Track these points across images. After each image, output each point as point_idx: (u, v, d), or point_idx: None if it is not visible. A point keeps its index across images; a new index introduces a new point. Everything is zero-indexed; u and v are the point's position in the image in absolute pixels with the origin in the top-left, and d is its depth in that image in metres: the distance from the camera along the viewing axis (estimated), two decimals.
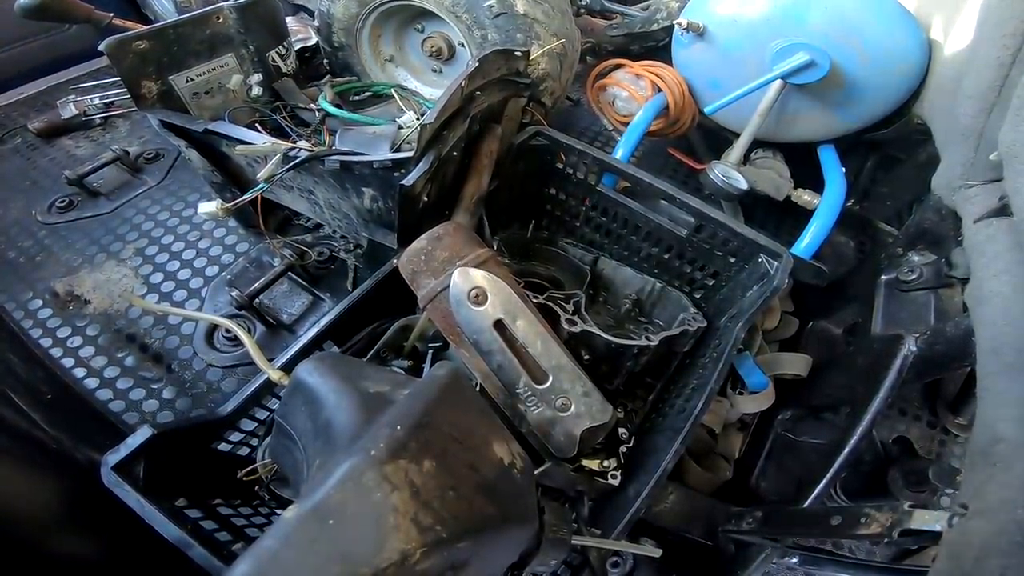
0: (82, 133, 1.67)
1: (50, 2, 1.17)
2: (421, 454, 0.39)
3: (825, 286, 1.08)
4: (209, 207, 0.90)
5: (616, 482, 0.69)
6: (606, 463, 0.71)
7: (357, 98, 1.37)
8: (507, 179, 0.91)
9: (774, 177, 1.30)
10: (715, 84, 1.37)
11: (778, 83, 1.23)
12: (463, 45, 1.31)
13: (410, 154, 0.74)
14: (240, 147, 0.86)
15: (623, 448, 0.72)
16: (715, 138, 1.48)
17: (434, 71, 1.45)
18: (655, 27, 1.56)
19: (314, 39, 1.49)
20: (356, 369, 0.61)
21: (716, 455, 0.94)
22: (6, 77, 1.96)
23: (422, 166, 0.72)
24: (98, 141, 1.64)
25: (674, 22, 1.34)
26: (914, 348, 0.74)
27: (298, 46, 1.43)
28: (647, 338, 0.75)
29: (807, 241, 1.10)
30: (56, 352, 1.16)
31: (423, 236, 0.68)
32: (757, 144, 1.36)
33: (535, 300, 0.74)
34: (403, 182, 0.71)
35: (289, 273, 1.20)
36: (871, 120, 1.26)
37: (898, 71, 1.17)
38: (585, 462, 0.73)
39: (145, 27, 1.07)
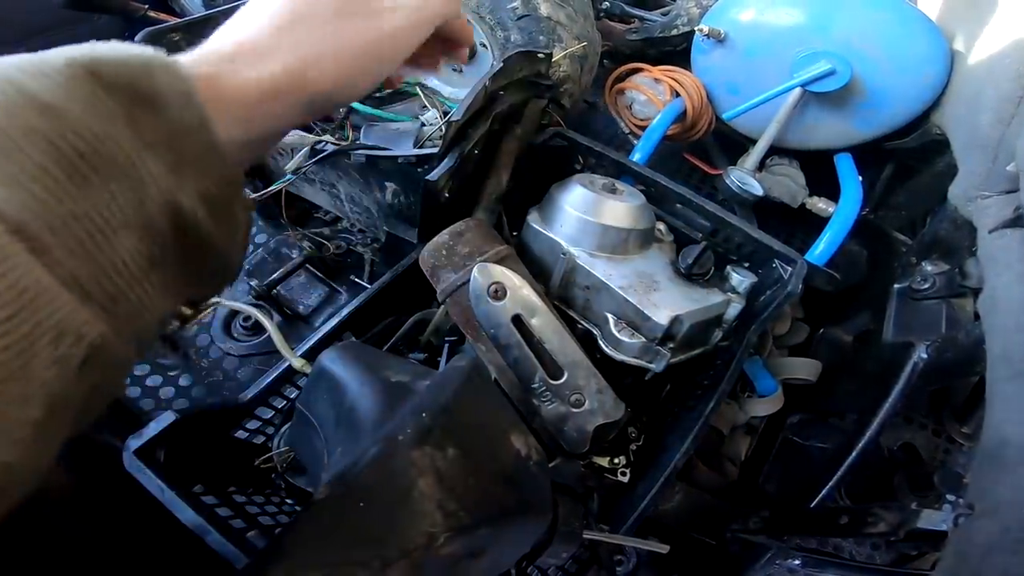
0: None
1: None
2: (445, 441, 0.40)
3: (837, 293, 1.08)
4: None
5: (625, 479, 0.70)
6: (616, 460, 0.72)
7: (379, 95, 1.38)
8: (525, 179, 0.92)
9: (789, 184, 1.30)
10: (734, 90, 1.37)
11: (797, 91, 1.24)
12: (485, 46, 1.32)
13: (435, 150, 0.76)
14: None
15: (633, 446, 0.73)
16: (731, 143, 1.48)
17: (455, 70, 1.46)
18: (675, 32, 1.56)
19: None
20: (378, 358, 0.63)
21: (723, 456, 0.94)
22: None
23: (447, 163, 0.74)
24: None
25: (695, 28, 1.35)
26: (924, 356, 0.74)
27: None
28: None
29: (821, 248, 1.11)
30: None
31: (444, 231, 0.69)
32: (773, 151, 1.36)
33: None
34: (428, 177, 0.72)
35: (307, 265, 1.22)
36: (890, 129, 1.26)
37: (919, 80, 1.17)
38: (595, 459, 0.75)
39: (179, 19, 1.08)
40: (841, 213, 1.15)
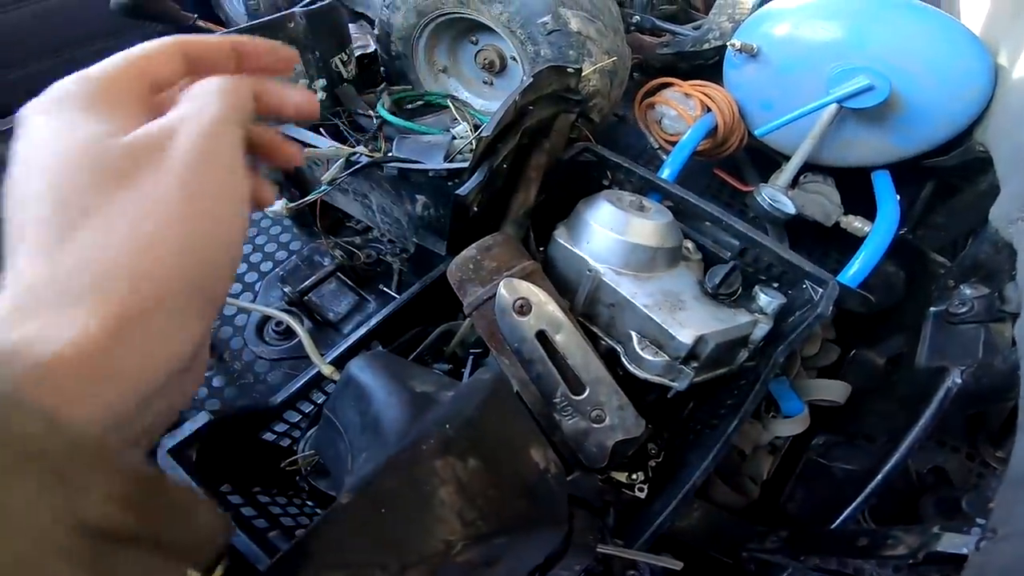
0: None
1: (140, 4, 1.26)
2: (467, 452, 0.42)
3: (871, 315, 1.06)
4: (275, 206, 0.97)
5: (643, 495, 0.71)
6: (634, 476, 0.73)
7: (411, 106, 1.43)
8: (554, 193, 0.94)
9: (824, 203, 1.28)
10: (767, 105, 1.37)
11: (833, 107, 1.23)
12: (515, 59, 1.35)
13: (465, 164, 0.78)
14: (307, 150, 0.92)
15: (652, 463, 0.73)
16: (763, 159, 1.47)
17: (485, 83, 1.50)
18: (706, 47, 1.57)
19: (372, 47, 1.56)
20: (404, 368, 0.65)
21: (743, 475, 0.94)
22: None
23: (477, 177, 0.76)
24: None
25: (727, 43, 1.35)
26: (959, 380, 0.73)
27: (357, 53, 1.50)
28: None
29: (855, 269, 1.09)
30: None
31: (473, 245, 0.71)
32: (807, 168, 1.35)
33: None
34: (458, 192, 0.75)
35: (338, 273, 1.26)
36: (930, 146, 1.24)
37: (962, 96, 1.14)
38: (613, 474, 0.75)
39: (226, 30, 1.14)
40: (877, 233, 1.13)
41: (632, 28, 1.70)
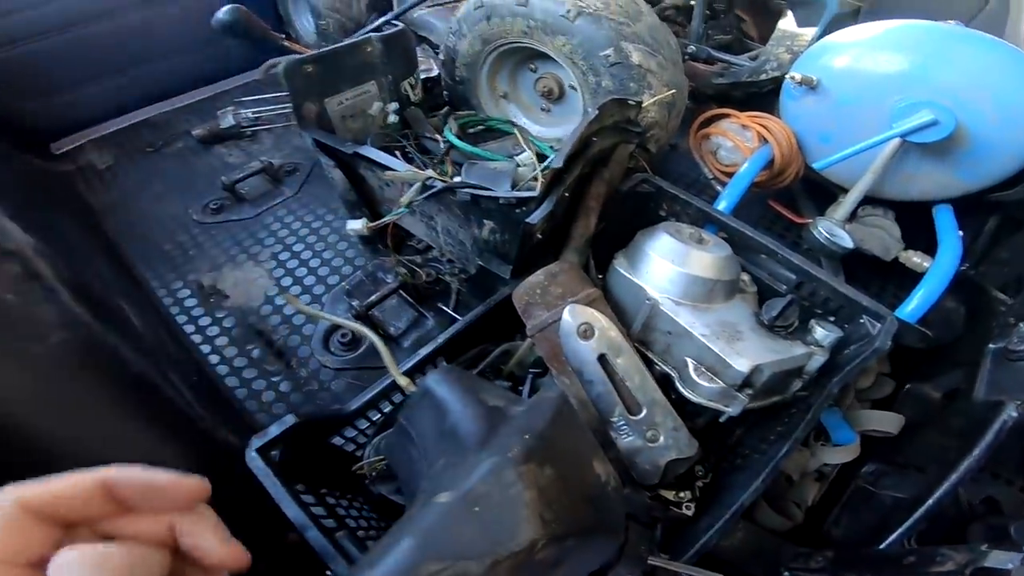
0: (235, 142, 1.95)
1: (239, 21, 1.39)
2: (544, 461, 0.47)
3: (928, 350, 1.07)
4: (356, 225, 1.06)
5: (690, 513, 0.75)
6: (681, 494, 0.77)
7: (473, 130, 1.51)
8: (612, 222, 0.99)
9: (883, 237, 1.29)
10: (826, 138, 1.39)
11: (896, 141, 1.23)
12: (575, 88, 1.42)
13: (534, 194, 0.85)
14: (388, 173, 1.01)
15: (699, 483, 0.77)
16: (820, 191, 1.49)
17: (543, 109, 1.57)
18: (763, 77, 1.61)
19: (436, 70, 1.67)
20: (475, 383, 0.72)
21: (789, 500, 0.96)
22: (171, 85, 2.35)
23: (546, 207, 0.83)
24: (247, 151, 1.92)
25: (786, 76, 1.38)
26: (1015, 414, 0.74)
27: (422, 76, 1.61)
28: None
29: (914, 305, 1.10)
30: (196, 338, 1.37)
31: (540, 272, 0.78)
32: (867, 200, 1.36)
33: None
34: (528, 220, 0.82)
35: (400, 290, 1.34)
36: (995, 180, 1.23)
37: None
38: (662, 491, 0.79)
39: (313, 52, 1.26)
40: (937, 269, 1.14)
41: (687, 57, 1.74)
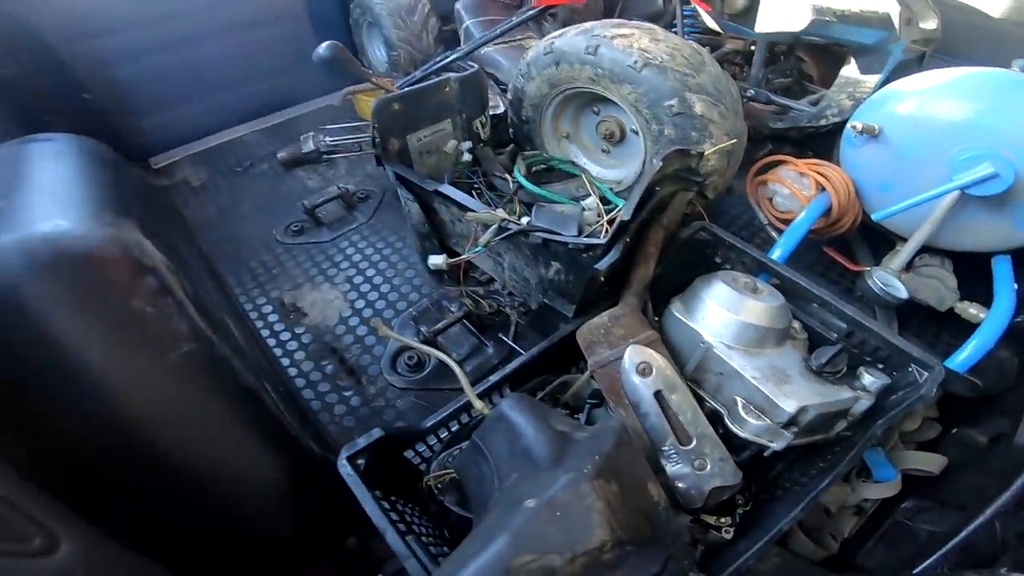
0: (313, 167, 2.18)
1: (337, 57, 1.60)
2: (610, 478, 0.60)
3: (979, 398, 1.13)
4: (437, 260, 1.22)
5: (729, 536, 0.85)
6: (721, 520, 0.87)
7: (536, 168, 1.66)
8: (670, 266, 1.11)
9: (939, 287, 1.36)
10: (885, 187, 1.46)
11: (955, 193, 1.30)
12: (636, 132, 1.56)
13: (601, 241, 0.98)
14: (469, 215, 1.16)
15: (739, 510, 0.88)
16: (876, 237, 1.56)
17: (603, 151, 1.71)
18: (823, 122, 1.70)
19: (502, 107, 1.83)
20: (543, 410, 0.85)
21: (825, 531, 1.04)
22: (257, 106, 2.71)
23: (612, 255, 0.96)
24: (324, 175, 2.16)
25: (848, 123, 1.47)
26: None
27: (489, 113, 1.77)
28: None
29: (965, 355, 1.17)
30: (277, 351, 1.55)
31: (604, 314, 0.91)
32: (924, 249, 1.42)
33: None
34: (597, 266, 0.95)
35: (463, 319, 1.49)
36: None
37: None
38: (704, 516, 0.90)
39: (400, 91, 1.44)
40: (992, 321, 1.21)
41: (746, 100, 1.84)
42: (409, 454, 1.10)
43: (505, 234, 1.11)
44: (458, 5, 2.70)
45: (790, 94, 1.94)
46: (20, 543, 0.75)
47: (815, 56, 2.00)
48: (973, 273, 1.39)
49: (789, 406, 0.86)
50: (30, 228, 0.78)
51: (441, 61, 2.29)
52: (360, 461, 0.96)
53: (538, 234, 1.07)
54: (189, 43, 2.46)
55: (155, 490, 0.94)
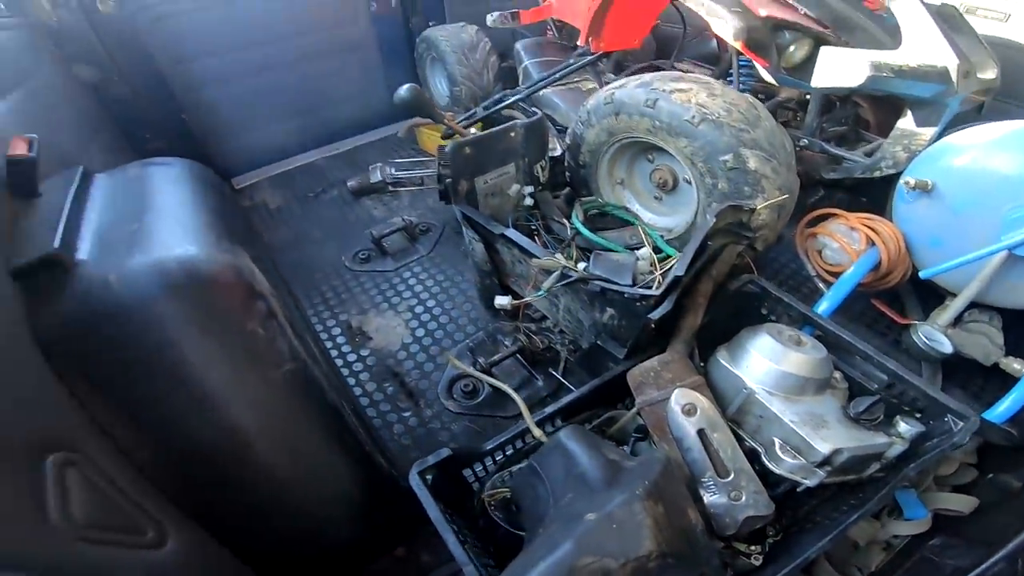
0: (379, 196, 2.42)
1: (416, 99, 1.80)
2: (658, 500, 0.74)
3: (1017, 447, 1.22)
4: (503, 301, 1.39)
5: (758, 563, 0.97)
6: (752, 547, 0.99)
7: (590, 213, 1.82)
8: (718, 316, 1.25)
9: (985, 344, 1.45)
10: (936, 242, 1.56)
11: (1003, 253, 1.39)
12: (688, 182, 1.70)
13: (655, 292, 1.13)
14: (534, 261, 1.32)
15: (770, 540, 0.99)
16: (927, 290, 1.65)
17: (656, 198, 1.86)
18: (877, 174, 1.79)
19: (559, 150, 2.00)
20: (595, 440, 1.00)
21: (852, 565, 1.15)
22: (327, 133, 3.02)
23: (665, 306, 1.11)
24: (389, 205, 2.40)
25: (901, 180, 1.58)
26: None
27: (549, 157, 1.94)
28: None
29: (1004, 407, 1.27)
30: (344, 371, 1.74)
31: (654, 359, 1.05)
32: (974, 305, 1.51)
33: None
34: (651, 316, 1.10)
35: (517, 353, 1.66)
36: None
37: None
38: (736, 543, 1.02)
39: (471, 136, 1.62)
40: None
41: (800, 148, 1.95)
42: (466, 473, 1.25)
43: (566, 281, 1.26)
44: (518, 45, 2.93)
45: (845, 142, 2.05)
46: (136, 535, 0.90)
47: (873, 102, 2.09)
48: (1021, 328, 1.47)
49: (824, 448, 0.98)
50: (164, 252, 0.96)
51: (503, 102, 2.51)
52: (429, 476, 1.12)
53: (597, 283, 1.22)
54: (271, 69, 2.78)
55: (249, 493, 1.09)
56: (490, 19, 2.98)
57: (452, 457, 1.13)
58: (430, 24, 3.27)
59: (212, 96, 2.64)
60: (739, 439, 1.06)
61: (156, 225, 1.06)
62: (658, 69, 2.69)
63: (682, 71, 2.67)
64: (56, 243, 0.91)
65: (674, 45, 2.60)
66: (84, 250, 0.96)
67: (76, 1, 2.17)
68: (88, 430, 0.91)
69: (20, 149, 1.11)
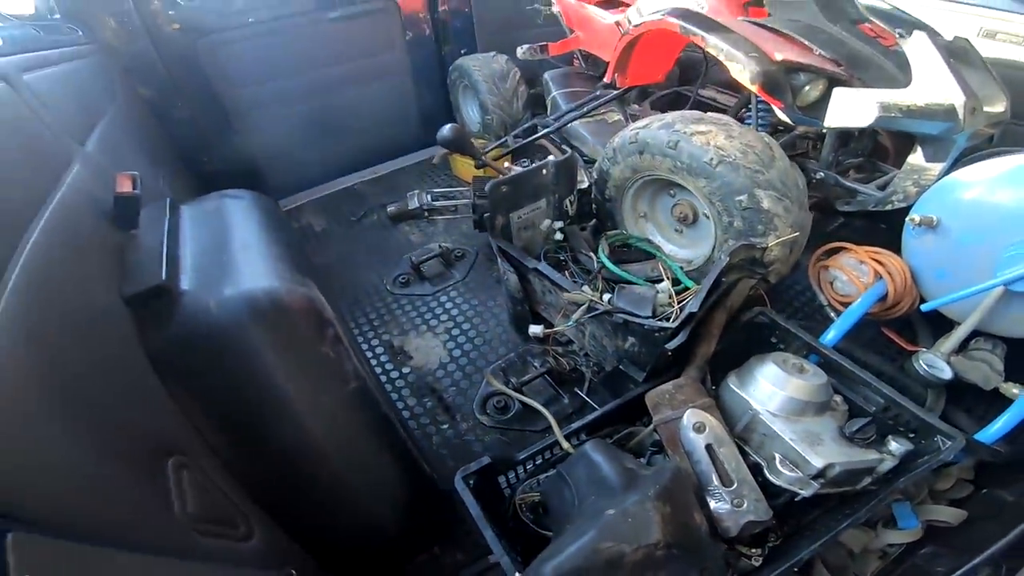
0: (416, 222, 2.66)
1: (459, 138, 2.02)
2: (666, 501, 0.94)
3: (1009, 463, 1.38)
4: (536, 330, 1.60)
5: (757, 564, 1.15)
6: (753, 550, 1.17)
7: (614, 244, 2.02)
8: (729, 344, 1.44)
9: (985, 370, 1.61)
10: (941, 275, 1.73)
11: (1000, 288, 1.55)
12: (706, 216, 1.89)
13: (674, 325, 1.33)
14: (567, 294, 1.54)
15: (770, 544, 1.18)
16: (938, 317, 1.80)
17: (676, 231, 2.06)
18: (888, 207, 1.96)
19: (586, 182, 2.21)
20: (615, 452, 1.20)
21: (849, 571, 1.32)
22: (366, 157, 3.30)
23: (681, 337, 1.31)
24: (425, 231, 2.65)
25: (907, 218, 1.74)
26: None
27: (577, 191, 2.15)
28: None
29: (996, 428, 1.44)
30: (387, 387, 1.96)
31: (669, 383, 1.25)
32: (979, 333, 1.67)
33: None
34: (668, 345, 1.30)
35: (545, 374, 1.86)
36: None
37: None
38: (738, 546, 1.20)
39: (508, 175, 1.84)
40: (1021, 402, 1.45)
41: (814, 181, 2.12)
42: (500, 479, 1.45)
43: (593, 313, 1.47)
44: (546, 76, 3.15)
45: (862, 170, 2.21)
46: (232, 528, 1.06)
47: (890, 133, 2.22)
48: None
49: (818, 462, 1.16)
50: (252, 284, 1.18)
51: (534, 135, 2.74)
52: (471, 480, 1.32)
53: (621, 315, 1.42)
54: (314, 95, 3.06)
55: (320, 493, 1.30)
56: (520, 52, 3.22)
57: (491, 464, 1.34)
58: (462, 52, 3.53)
59: (260, 120, 2.92)
60: (744, 454, 1.24)
61: (240, 258, 1.29)
62: (681, 96, 2.90)
63: (705, 99, 2.87)
64: (163, 275, 1.14)
65: (698, 70, 2.76)
66: (185, 280, 1.18)
67: (143, 24, 2.45)
68: (191, 436, 1.11)
69: (126, 187, 1.33)
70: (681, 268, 1.82)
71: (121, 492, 0.86)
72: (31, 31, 1.93)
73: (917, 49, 1.93)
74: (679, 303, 1.56)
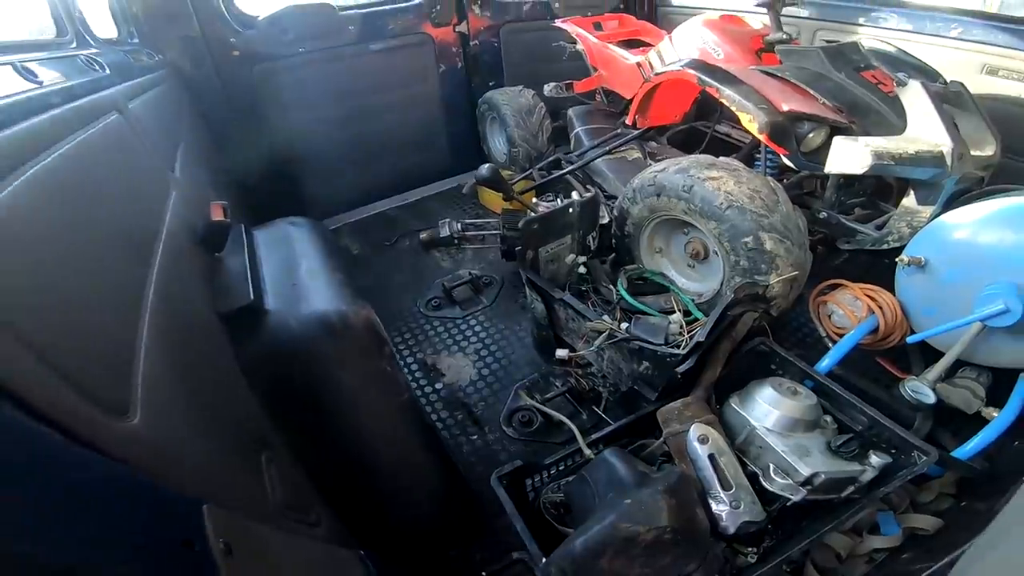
0: (446, 249, 2.95)
1: (493, 177, 2.31)
2: (673, 495, 1.20)
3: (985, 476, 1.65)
4: (562, 353, 1.87)
5: (753, 560, 1.40)
6: (749, 549, 1.42)
7: (631, 276, 2.30)
8: (733, 369, 1.70)
9: (967, 396, 1.86)
10: (929, 311, 1.99)
11: (977, 324, 1.81)
12: (716, 253, 2.16)
13: (683, 352, 1.60)
14: (590, 323, 1.81)
15: (765, 544, 1.43)
16: (929, 348, 2.05)
17: (689, 266, 2.34)
18: (884, 247, 2.22)
19: (607, 218, 2.49)
20: (630, 458, 1.46)
21: (838, 573, 1.56)
22: (398, 182, 3.60)
23: (690, 362, 1.58)
24: (455, 258, 2.96)
25: (898, 259, 2.00)
26: None
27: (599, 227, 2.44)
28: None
29: (972, 445, 1.69)
30: (422, 401, 2.23)
31: (678, 401, 1.53)
32: (965, 363, 1.93)
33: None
34: (677, 369, 1.56)
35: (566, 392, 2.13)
36: None
37: None
38: (736, 545, 1.45)
39: (539, 214, 2.12)
40: (995, 423, 1.72)
41: (819, 219, 2.38)
42: (527, 483, 1.71)
43: (612, 341, 1.74)
44: (570, 112, 3.47)
45: (865, 209, 2.46)
46: (307, 515, 1.22)
47: None
48: (1011, 383, 1.87)
49: (805, 471, 1.42)
50: (324, 305, 1.46)
51: (558, 171, 3.03)
52: (505, 480, 1.58)
53: (636, 343, 1.69)
54: (352, 121, 3.38)
55: (376, 490, 1.56)
56: (547, 89, 3.53)
57: (523, 467, 1.60)
58: (490, 85, 3.87)
59: (303, 143, 3.23)
60: (743, 464, 1.50)
61: (310, 281, 1.58)
62: (696, 131, 3.19)
63: (721, 134, 3.15)
64: (251, 295, 1.42)
65: (713, 107, 2.99)
66: (269, 301, 1.46)
67: (208, 49, 2.76)
68: (274, 435, 1.39)
69: (219, 215, 1.62)
70: (692, 300, 2.09)
71: (246, 478, 1.09)
72: (123, 56, 2.20)
73: (912, 97, 2.19)
74: (689, 332, 1.83)
